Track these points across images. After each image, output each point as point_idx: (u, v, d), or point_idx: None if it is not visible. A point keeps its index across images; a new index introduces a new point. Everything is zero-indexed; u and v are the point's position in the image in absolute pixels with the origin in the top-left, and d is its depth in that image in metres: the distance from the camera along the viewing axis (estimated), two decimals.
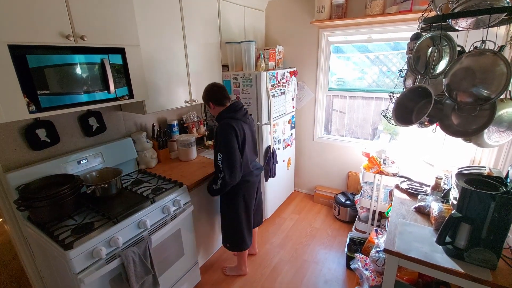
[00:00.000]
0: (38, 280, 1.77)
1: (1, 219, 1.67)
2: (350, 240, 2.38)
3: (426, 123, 1.28)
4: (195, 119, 2.65)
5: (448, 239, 1.26)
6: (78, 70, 1.43)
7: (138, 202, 1.64)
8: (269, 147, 2.67)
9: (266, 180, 2.76)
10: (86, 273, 1.33)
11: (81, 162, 1.80)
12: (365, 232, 2.58)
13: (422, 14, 1.35)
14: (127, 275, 1.49)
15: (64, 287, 1.52)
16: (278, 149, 2.87)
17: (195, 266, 2.11)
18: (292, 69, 2.94)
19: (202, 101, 2.44)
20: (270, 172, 2.72)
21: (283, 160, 3.07)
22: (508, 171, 1.23)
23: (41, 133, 1.66)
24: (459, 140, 1.41)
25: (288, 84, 2.89)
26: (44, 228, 1.42)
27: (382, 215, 2.49)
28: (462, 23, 1.19)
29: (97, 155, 1.90)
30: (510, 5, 1.07)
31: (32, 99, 1.29)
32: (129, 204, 1.63)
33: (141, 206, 1.63)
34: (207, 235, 2.29)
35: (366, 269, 1.67)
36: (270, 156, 2.67)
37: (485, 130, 1.24)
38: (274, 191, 3.00)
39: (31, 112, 1.29)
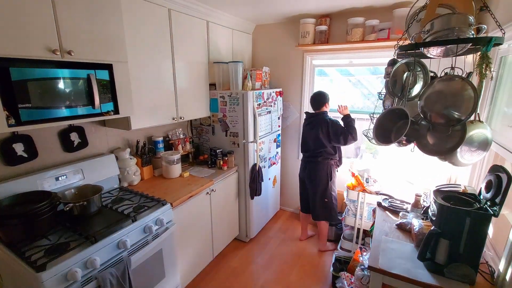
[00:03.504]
0: None
1: None
2: (336, 259, 2.37)
3: (403, 142, 1.35)
4: (181, 136, 2.64)
5: (428, 255, 1.29)
6: (62, 84, 1.41)
7: (118, 221, 1.58)
8: (255, 165, 2.68)
9: (252, 198, 2.75)
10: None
11: (60, 178, 1.73)
12: (350, 251, 2.59)
13: (398, 42, 1.46)
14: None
15: None
16: (264, 167, 2.88)
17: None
18: (278, 90, 3.03)
19: (188, 119, 2.46)
20: (256, 190, 2.71)
21: (269, 178, 3.07)
22: (481, 188, 1.30)
23: (18, 147, 1.59)
24: (436, 159, 1.48)
25: (274, 103, 2.96)
26: (16, 248, 1.33)
27: (366, 233, 2.52)
28: (433, 51, 1.30)
29: (77, 171, 1.83)
30: (474, 36, 1.19)
31: (12, 112, 1.26)
32: (109, 223, 1.57)
33: (121, 225, 1.57)
34: (191, 255, 2.20)
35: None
36: (256, 174, 2.67)
37: (458, 150, 1.32)
38: (260, 209, 2.98)
39: (10, 126, 1.25)
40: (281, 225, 3.26)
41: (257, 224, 3.00)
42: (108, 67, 1.63)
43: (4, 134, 1.53)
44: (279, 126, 3.16)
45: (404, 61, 1.35)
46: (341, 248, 2.69)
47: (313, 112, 2.62)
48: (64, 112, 1.44)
